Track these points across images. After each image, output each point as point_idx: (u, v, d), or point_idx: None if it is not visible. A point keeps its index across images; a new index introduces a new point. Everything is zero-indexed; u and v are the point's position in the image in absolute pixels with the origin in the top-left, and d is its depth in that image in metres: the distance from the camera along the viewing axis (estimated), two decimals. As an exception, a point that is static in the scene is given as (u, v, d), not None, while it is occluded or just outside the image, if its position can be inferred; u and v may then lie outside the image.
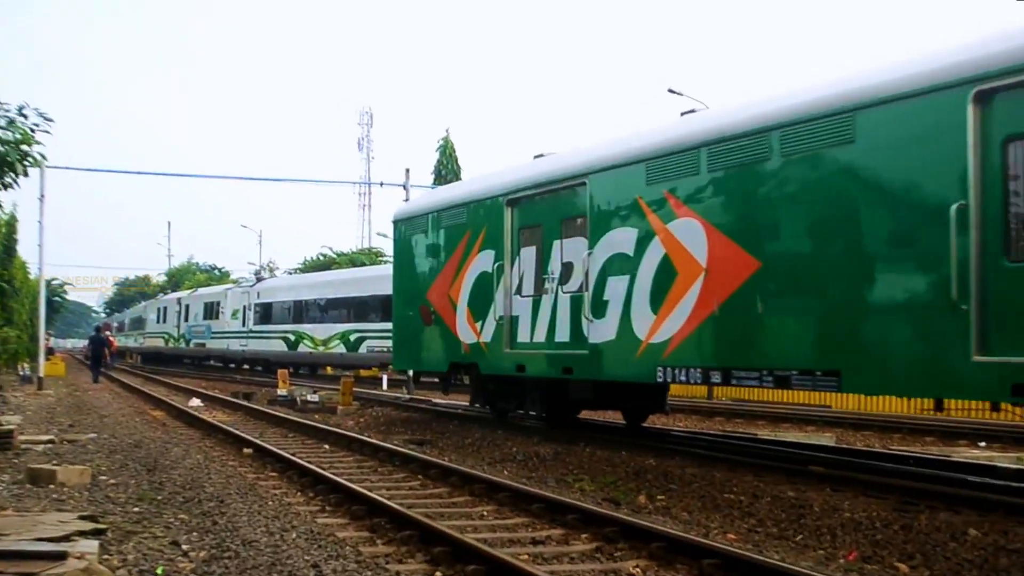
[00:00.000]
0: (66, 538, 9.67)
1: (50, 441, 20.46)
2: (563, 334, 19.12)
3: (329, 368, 55.01)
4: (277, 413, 27.96)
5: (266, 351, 57.20)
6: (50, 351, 58.65)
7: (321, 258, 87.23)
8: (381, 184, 52.50)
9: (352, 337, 48.53)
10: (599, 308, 17.79)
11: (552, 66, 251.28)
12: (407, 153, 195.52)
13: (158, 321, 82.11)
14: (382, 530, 11.35)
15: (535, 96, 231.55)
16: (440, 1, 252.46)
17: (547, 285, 19.69)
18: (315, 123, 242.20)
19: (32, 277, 51.25)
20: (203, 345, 68.88)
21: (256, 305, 59.14)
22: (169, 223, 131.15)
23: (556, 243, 19.44)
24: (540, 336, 19.86)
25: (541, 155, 21.83)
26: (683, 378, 16.16)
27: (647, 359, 16.62)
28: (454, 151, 76.08)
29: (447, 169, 74.89)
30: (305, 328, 53.47)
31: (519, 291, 20.58)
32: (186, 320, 72.68)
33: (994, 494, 13.01)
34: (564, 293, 19.07)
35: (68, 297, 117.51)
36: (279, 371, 41.44)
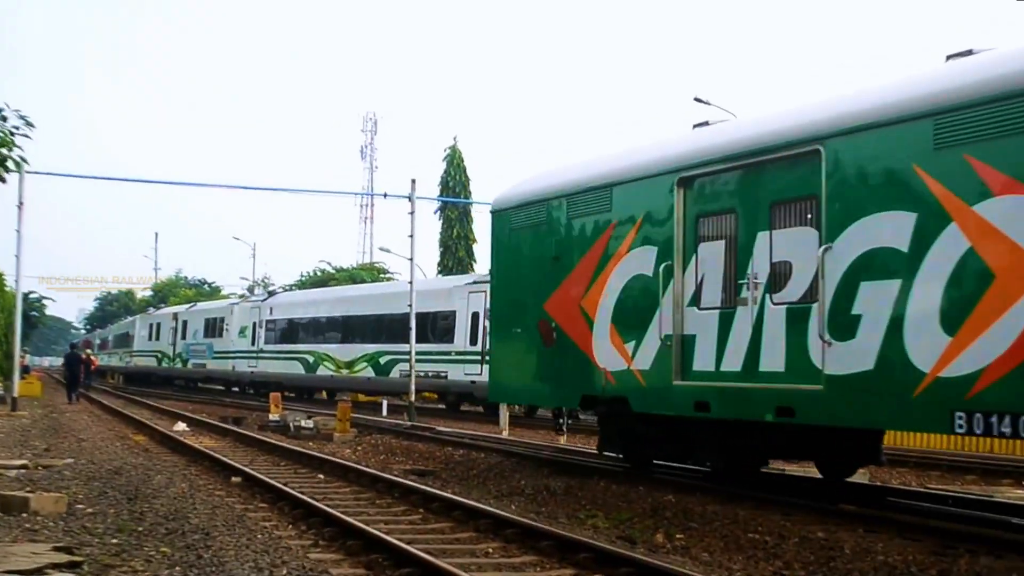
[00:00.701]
0: (39, 571, 9.65)
1: (23, 466, 20.40)
2: (775, 361, 15.00)
3: (360, 395, 51.86)
4: (268, 440, 27.87)
5: (278, 373, 54.53)
6: (25, 369, 58.63)
7: (319, 273, 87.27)
8: (384, 195, 51.48)
9: (382, 359, 46.24)
10: (844, 325, 13.70)
11: (565, 71, 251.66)
12: (413, 164, 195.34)
13: (150, 338, 78.89)
14: (379, 567, 11.27)
15: (546, 103, 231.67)
16: (448, 4, 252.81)
17: (745, 293, 15.53)
18: (315, 131, 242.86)
19: (8, 290, 51.11)
20: (203, 366, 65.94)
21: (267, 322, 56.67)
22: (156, 234, 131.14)
23: (762, 236, 15.34)
24: (733, 363, 15.71)
25: (705, 123, 18.34)
26: (1006, 429, 11.85)
27: (935, 399, 12.63)
28: (462, 161, 76.08)
29: (454, 180, 74.97)
30: (326, 348, 51.14)
31: (697, 302, 16.45)
32: (183, 338, 69.96)
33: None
34: (776, 305, 15.00)
35: (47, 312, 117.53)
36: (271, 395, 41.36)
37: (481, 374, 36.60)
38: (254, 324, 57.54)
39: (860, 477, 20.46)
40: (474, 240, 76.68)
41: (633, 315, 17.60)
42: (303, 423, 32.00)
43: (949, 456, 26.52)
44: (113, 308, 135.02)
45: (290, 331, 54.97)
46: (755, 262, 15.37)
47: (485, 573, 10.88)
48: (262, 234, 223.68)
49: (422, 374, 40.97)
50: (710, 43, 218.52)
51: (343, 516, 13.90)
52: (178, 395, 62.01)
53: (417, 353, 40.12)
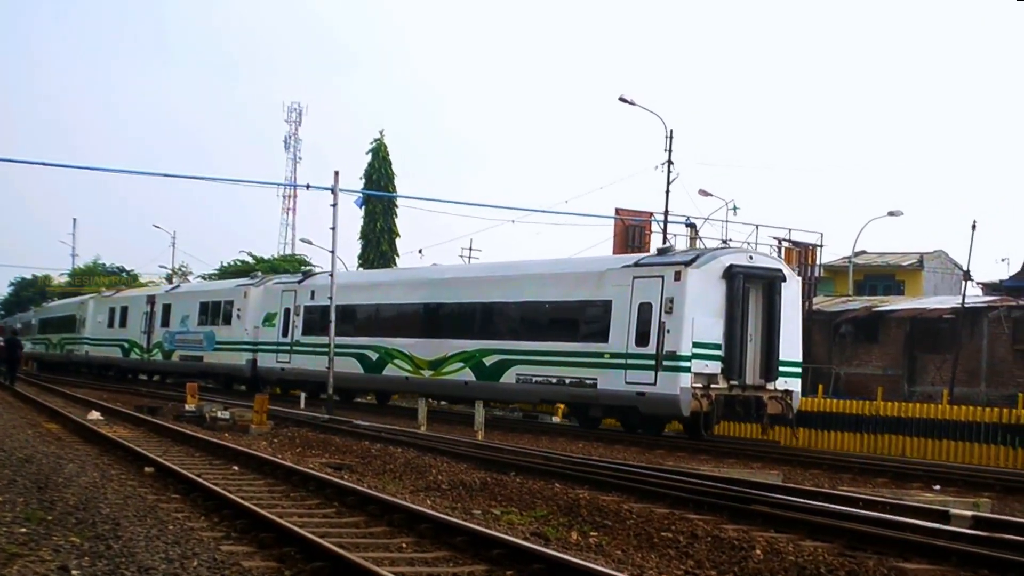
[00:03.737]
0: (-57, 559, 9.56)
1: (-71, 452, 20.21)
2: None
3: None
4: (183, 430, 27.67)
5: (322, 371, 41.56)
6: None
7: (239, 264, 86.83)
8: (307, 187, 51.23)
9: (488, 360, 35.53)
10: None
11: (494, 68, 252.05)
12: (337, 155, 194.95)
13: (111, 324, 66.25)
14: (291, 560, 11.25)
15: (472, 100, 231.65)
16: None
17: None
18: (238, 119, 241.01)
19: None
20: (199, 359, 54.35)
21: (306, 308, 45.66)
22: (75, 220, 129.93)
23: None
24: None
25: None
26: None
27: None
28: (388, 155, 76.15)
29: (379, 173, 74.90)
30: (397, 343, 40.11)
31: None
32: (165, 325, 58.10)
33: (947, 541, 13.16)
34: None
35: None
36: (188, 384, 41.06)
37: (655, 384, 28.89)
38: (287, 311, 46.51)
39: (774, 478, 20.75)
40: (397, 234, 76.89)
41: None
42: (219, 414, 31.78)
43: (861, 459, 26.93)
44: (28, 293, 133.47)
45: (341, 320, 42.26)
46: None
47: (397, 567, 10.90)
48: (182, 223, 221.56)
49: (554, 380, 32.81)
50: (638, 42, 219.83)
51: (256, 508, 13.87)
52: (91, 383, 59.52)
53: (544, 353, 33.31)
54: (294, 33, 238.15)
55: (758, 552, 12.56)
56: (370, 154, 76.55)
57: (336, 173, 42.73)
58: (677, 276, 28.70)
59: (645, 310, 29.62)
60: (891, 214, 56.89)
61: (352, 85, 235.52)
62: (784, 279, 30.31)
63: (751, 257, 30.11)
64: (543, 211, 57.33)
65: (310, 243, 76.19)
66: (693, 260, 29.23)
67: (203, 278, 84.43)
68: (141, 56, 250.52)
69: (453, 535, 12.78)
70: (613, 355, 30.47)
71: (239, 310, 51.03)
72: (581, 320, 32.74)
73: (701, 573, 11.90)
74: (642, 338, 29.52)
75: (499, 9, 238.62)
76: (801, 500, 16.83)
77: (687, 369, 28.26)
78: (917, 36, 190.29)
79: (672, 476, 20.03)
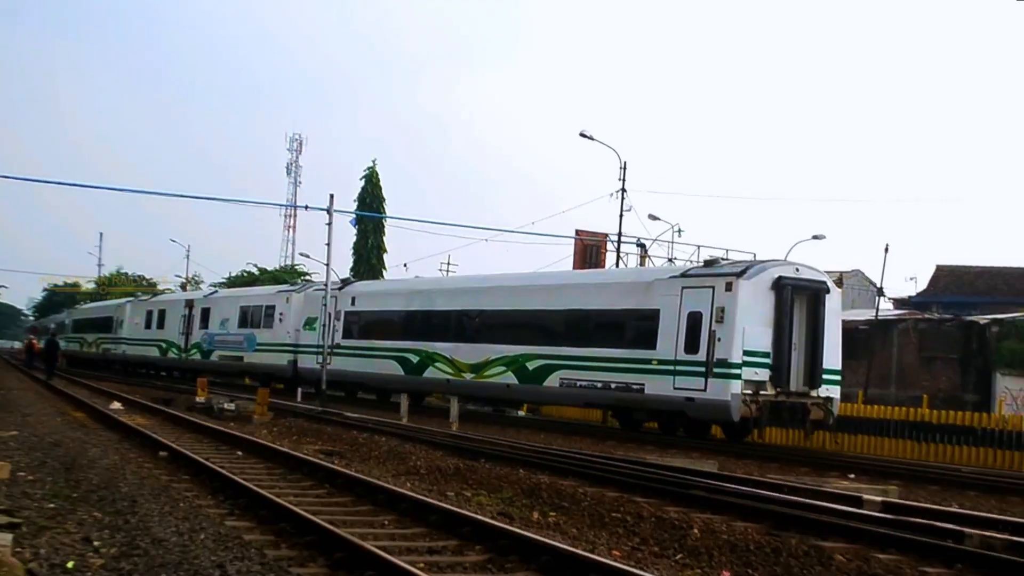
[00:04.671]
0: (-19, 531, 9.51)
1: (-29, 437, 20.10)
2: None
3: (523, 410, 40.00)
4: (194, 419, 27.60)
5: (362, 372, 41.92)
6: (-23, 352, 57.47)
7: (246, 275, 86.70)
8: (306, 207, 51.45)
9: (531, 364, 33.14)
10: None
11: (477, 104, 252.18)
12: (334, 179, 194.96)
13: (148, 326, 63.52)
14: (287, 534, 11.23)
15: (456, 131, 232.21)
16: (368, 43, 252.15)
17: None
18: (248, 147, 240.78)
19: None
20: (239, 359, 51.80)
21: (348, 313, 43.44)
22: (101, 234, 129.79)
23: None
24: None
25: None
26: None
27: None
28: (379, 181, 76.48)
29: (371, 196, 75.27)
30: (439, 347, 37.60)
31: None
32: (204, 327, 55.66)
33: (859, 523, 13.23)
34: None
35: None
36: (198, 379, 40.94)
37: (705, 390, 26.98)
38: (330, 315, 43.77)
39: (711, 467, 20.77)
40: (385, 250, 77.14)
41: None
42: (226, 406, 31.68)
43: (787, 452, 27.00)
44: (59, 299, 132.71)
45: (382, 325, 41.86)
46: None
47: (380, 542, 10.86)
48: (196, 237, 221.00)
49: (599, 384, 30.55)
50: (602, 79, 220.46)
51: (257, 489, 13.82)
52: (113, 377, 58.66)
53: (590, 358, 31.01)
54: (297, 75, 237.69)
55: (696, 531, 12.58)
56: (363, 180, 76.86)
57: (331, 196, 43.03)
58: (728, 287, 27.05)
59: (694, 319, 27.77)
60: (815, 237, 56.80)
61: (347, 119, 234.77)
62: (828, 291, 28.52)
63: (797, 269, 28.22)
64: (513, 231, 57.96)
65: (308, 256, 76.15)
66: (744, 271, 27.46)
67: (213, 286, 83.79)
68: (166, 91, 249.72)
69: (429, 514, 12.77)
70: (661, 361, 28.53)
71: (281, 314, 48.53)
72: (627, 328, 30.63)
73: (646, 549, 11.90)
74: (691, 345, 27.66)
75: (477, 57, 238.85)
76: (734, 486, 16.86)
77: (738, 376, 26.47)
78: (833, 85, 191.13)
79: (622, 464, 20.05)
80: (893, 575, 10.27)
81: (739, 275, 27.02)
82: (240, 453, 20.42)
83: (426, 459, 20.05)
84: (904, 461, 26.43)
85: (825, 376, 27.87)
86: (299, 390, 42.01)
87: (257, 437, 22.98)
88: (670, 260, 53.62)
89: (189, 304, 58.54)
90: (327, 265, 43.26)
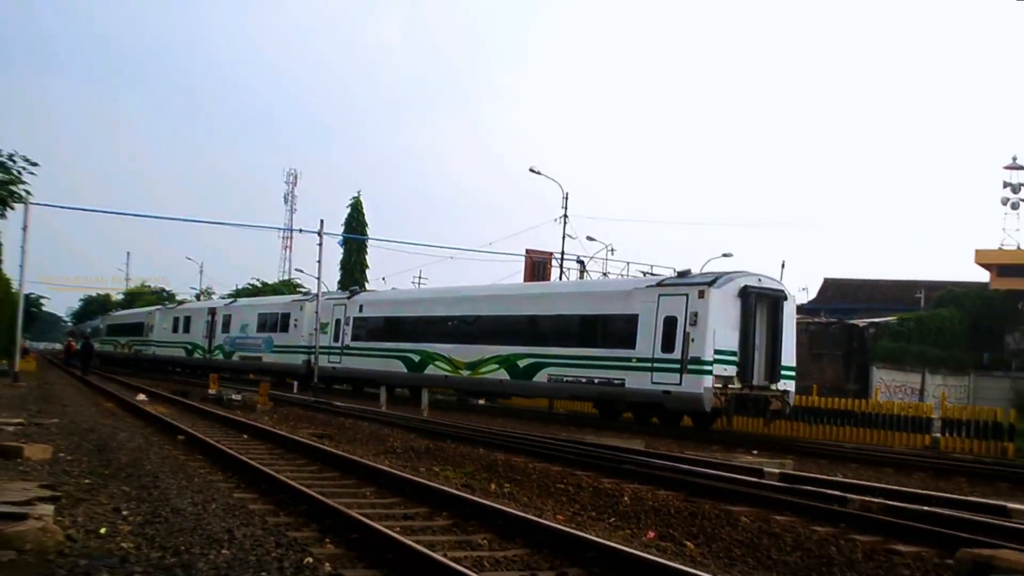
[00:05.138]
0: (28, 502, 9.44)
1: (20, 423, 19.85)
2: None
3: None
4: (207, 408, 27.44)
5: (369, 370, 40.77)
6: (25, 351, 56.88)
7: (250, 287, 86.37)
8: (300, 231, 52.44)
9: (521, 362, 32.41)
10: None
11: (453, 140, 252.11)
12: (325, 204, 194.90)
13: (175, 331, 62.70)
14: (284, 504, 11.17)
15: (429, 163, 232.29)
16: (349, 93, 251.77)
17: None
18: (252, 179, 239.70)
19: (13, 291, 49.75)
20: (258, 359, 50.56)
21: (356, 319, 42.42)
22: (128, 253, 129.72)
23: None
24: None
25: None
26: None
27: None
28: (362, 208, 77.01)
29: (356, 221, 75.80)
30: (437, 348, 36.65)
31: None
32: (225, 331, 54.63)
33: (761, 491, 13.32)
34: None
35: (43, 308, 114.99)
36: (211, 375, 40.73)
37: (681, 384, 26.40)
38: (338, 321, 43.29)
39: (639, 445, 20.85)
40: (367, 266, 77.42)
41: None
42: (234, 397, 31.52)
43: (701, 433, 27.12)
44: (93, 307, 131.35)
45: (387, 329, 40.68)
46: None
47: (362, 509, 10.82)
48: (208, 255, 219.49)
49: (583, 380, 29.72)
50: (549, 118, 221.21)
51: (259, 466, 13.76)
52: (139, 374, 58.26)
53: (575, 357, 30.38)
54: (297, 117, 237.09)
55: (626, 499, 12.64)
56: (349, 207, 77.38)
57: (321, 221, 43.96)
58: (701, 294, 26.36)
59: (670, 322, 27.06)
60: (724, 255, 57.00)
61: (338, 151, 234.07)
62: (786, 298, 28.09)
63: (760, 280, 27.38)
64: (474, 250, 57.89)
65: (302, 271, 76.08)
66: (714, 281, 26.74)
67: (226, 296, 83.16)
68: (187, 132, 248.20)
69: (404, 486, 12.75)
70: (640, 359, 27.81)
71: (296, 320, 47.18)
72: (609, 330, 29.73)
73: (585, 513, 11.94)
74: (668, 345, 26.92)
75: (447, 101, 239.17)
76: (658, 461, 16.94)
77: (710, 372, 25.83)
78: (740, 125, 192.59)
79: (565, 444, 20.09)
80: (788, 533, 10.31)
81: (710, 284, 26.57)
82: (246, 436, 20.30)
83: (401, 440, 20.03)
84: (798, 440, 26.61)
85: (783, 372, 27.57)
86: (295, 384, 41.78)
87: (260, 423, 22.84)
88: (604, 274, 53.85)
89: (212, 312, 57.58)
90: (318, 279, 44.03)
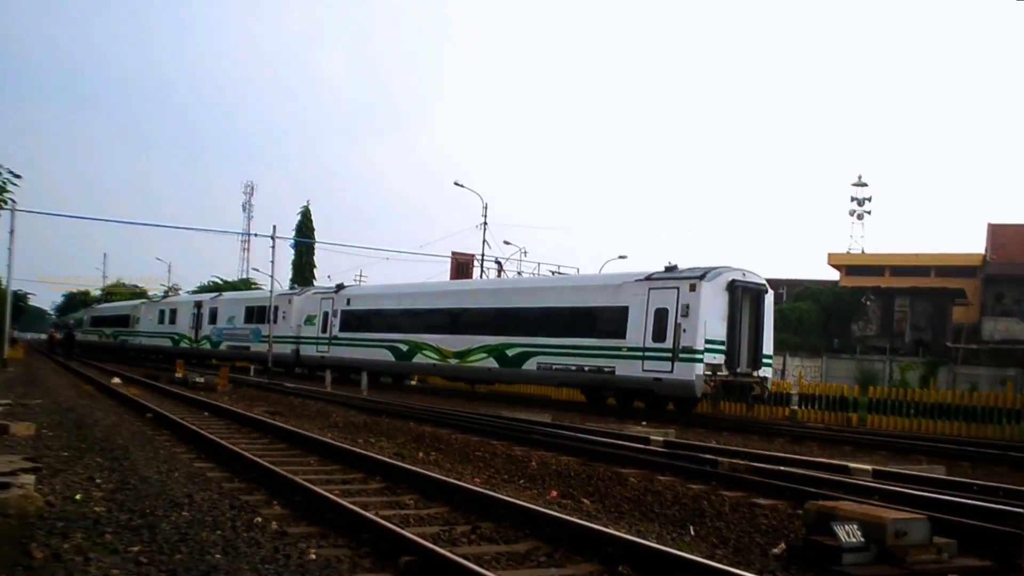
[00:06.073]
0: (12, 473, 9.19)
1: (7, 404, 19.33)
2: None
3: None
4: (174, 390, 26.94)
5: (356, 359, 37.39)
6: (13, 341, 55.34)
7: (212, 284, 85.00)
8: (255, 235, 51.79)
9: (511, 352, 30.05)
10: None
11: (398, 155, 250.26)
12: (279, 210, 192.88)
13: (161, 322, 58.45)
14: (239, 472, 11.01)
15: (374, 178, 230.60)
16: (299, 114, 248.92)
17: None
18: (215, 190, 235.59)
19: (2, 286, 48.41)
20: (246, 348, 46.81)
21: (343, 312, 39.67)
22: (105, 254, 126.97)
23: None
24: None
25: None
26: None
27: None
28: (311, 216, 76.66)
29: (306, 227, 75.36)
30: (425, 338, 34.05)
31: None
32: (212, 323, 51.08)
33: (647, 456, 13.46)
34: None
35: (30, 303, 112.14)
36: (177, 361, 40.07)
37: (672, 371, 24.57)
38: (326, 313, 40.61)
39: (546, 418, 20.93)
40: (315, 266, 76.85)
41: None
42: (198, 379, 30.90)
43: (602, 407, 27.27)
44: (75, 302, 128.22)
45: (375, 320, 37.80)
46: None
47: (307, 475, 10.75)
48: (176, 256, 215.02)
49: (573, 368, 27.56)
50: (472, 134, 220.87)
51: (218, 439, 13.56)
52: (113, 359, 56.46)
53: (565, 346, 28.03)
54: (253, 133, 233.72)
55: (534, 464, 12.69)
56: (300, 215, 76.98)
57: (274, 227, 43.37)
58: (692, 288, 24.54)
59: (661, 314, 25.07)
60: (620, 257, 57.51)
61: (288, 167, 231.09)
62: (767, 291, 26.18)
63: (744, 274, 25.53)
64: (406, 252, 57.82)
65: (258, 271, 75.26)
66: (704, 275, 24.75)
67: (187, 293, 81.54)
68: (159, 147, 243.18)
69: (344, 456, 12.69)
70: (631, 348, 25.76)
71: (284, 312, 43.76)
72: (599, 321, 27.26)
73: (498, 477, 11.97)
74: (659, 335, 25.01)
75: (385, 124, 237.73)
76: (562, 431, 17.05)
77: (701, 360, 24.05)
78: (631, 139, 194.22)
79: (484, 417, 20.13)
80: (669, 491, 10.45)
81: (701, 278, 24.67)
82: (207, 414, 19.96)
83: (343, 416, 19.90)
84: (687, 414, 26.76)
85: (763, 360, 25.98)
86: (252, 368, 41.21)
87: (220, 402, 22.49)
88: (519, 273, 54.02)
89: (198, 304, 54.01)
90: (271, 276, 43.44)
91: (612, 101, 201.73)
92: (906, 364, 40.83)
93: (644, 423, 21.57)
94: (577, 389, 29.96)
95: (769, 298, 26.17)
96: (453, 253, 53.49)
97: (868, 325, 57.86)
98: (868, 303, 55.27)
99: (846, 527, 6.92)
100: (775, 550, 7.69)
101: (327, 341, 40.08)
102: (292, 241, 72.98)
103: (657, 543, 7.40)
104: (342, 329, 39.47)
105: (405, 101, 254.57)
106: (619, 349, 26.16)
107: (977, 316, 53.58)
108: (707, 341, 24.34)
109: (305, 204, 77.80)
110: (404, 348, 35.04)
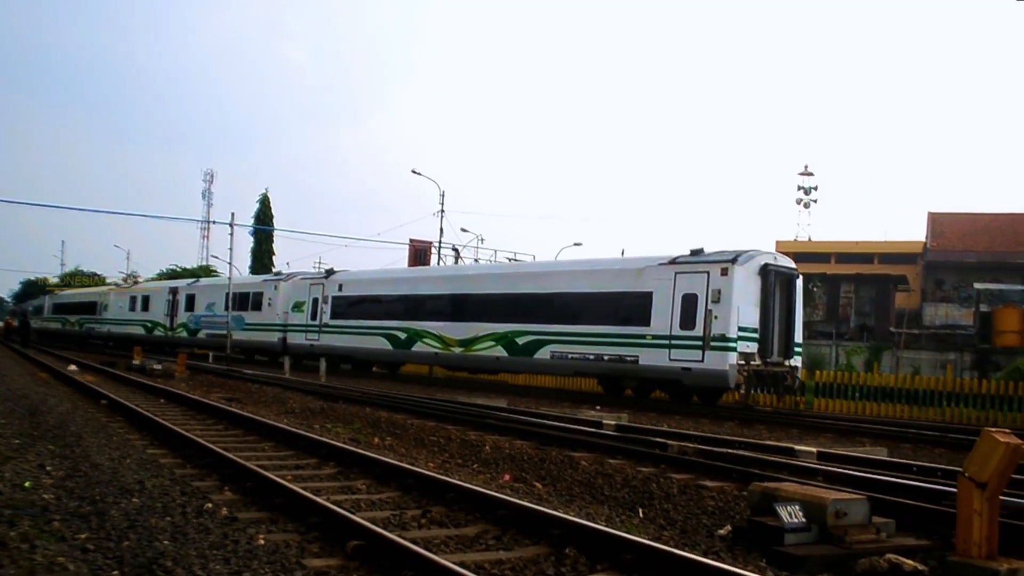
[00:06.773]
0: (-42, 461, 9.02)
1: (-41, 392, 18.97)
2: None
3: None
4: (131, 377, 26.56)
5: (348, 347, 35.79)
6: (-32, 328, 54.30)
7: (171, 271, 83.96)
8: (215, 223, 51.30)
9: (522, 340, 27.73)
10: None
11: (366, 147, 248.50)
12: (239, 199, 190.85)
13: (132, 309, 54.91)
14: (191, 458, 10.83)
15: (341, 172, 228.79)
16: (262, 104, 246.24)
17: None
18: (174, 176, 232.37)
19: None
20: (224, 335, 41.40)
21: (334, 298, 37.01)
22: (63, 241, 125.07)
23: None
24: None
25: None
26: None
27: None
28: (270, 203, 76.01)
29: (264, 215, 74.74)
30: (426, 325, 31.71)
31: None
32: (190, 310, 47.74)
33: (599, 439, 13.49)
34: None
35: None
36: (135, 347, 39.51)
37: (703, 360, 22.67)
38: (315, 300, 37.93)
39: (501, 403, 20.92)
40: (274, 253, 76.27)
41: None
42: (155, 366, 30.45)
43: (556, 391, 27.35)
44: (33, 290, 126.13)
45: (368, 307, 35.36)
46: None
47: (260, 461, 10.63)
48: (135, 243, 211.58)
49: (591, 356, 25.46)
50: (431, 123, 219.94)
51: (172, 426, 13.35)
52: (71, 347, 55.36)
53: (582, 334, 25.77)
54: (213, 121, 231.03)
55: (488, 448, 12.68)
56: (259, 203, 76.29)
57: (232, 214, 42.57)
58: (724, 272, 22.73)
59: (689, 300, 23.15)
60: (576, 244, 57.95)
61: (252, 154, 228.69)
62: (798, 277, 24.40)
63: (775, 258, 24.04)
64: (365, 239, 57.52)
65: (217, 258, 74.50)
66: (736, 259, 22.99)
67: (147, 280, 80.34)
68: (115, 132, 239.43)
69: (300, 441, 12.58)
70: (656, 336, 23.70)
71: (270, 299, 40.87)
72: (620, 307, 25.09)
73: (452, 461, 11.94)
74: (687, 322, 23.07)
75: (344, 113, 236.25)
76: (516, 416, 17.05)
77: (734, 349, 22.37)
78: (586, 129, 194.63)
79: (439, 402, 20.06)
80: (619, 474, 10.47)
81: (733, 261, 22.93)
82: (163, 400, 19.67)
83: (300, 402, 19.74)
84: (634, 400, 26.82)
85: (795, 348, 24.38)
86: (210, 355, 40.64)
87: (177, 389, 22.19)
88: (476, 260, 53.98)
89: (173, 291, 50.37)
90: (230, 263, 42.98)
91: (565, 91, 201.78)
92: (851, 348, 41.31)
93: (598, 407, 21.64)
94: (593, 379, 28.21)
95: (800, 283, 24.64)
96: (411, 240, 53.31)
97: (815, 310, 58.52)
98: (814, 289, 55.71)
99: (788, 508, 6.95)
100: (721, 531, 7.72)
101: (317, 329, 37.64)
102: (251, 228, 72.39)
103: (606, 525, 7.40)
104: (333, 316, 37.07)
105: (365, 91, 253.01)
106: (643, 337, 24.20)
107: (919, 302, 54.37)
108: (740, 328, 22.79)
109: (264, 192, 77.09)
110: (402, 336, 32.85)
